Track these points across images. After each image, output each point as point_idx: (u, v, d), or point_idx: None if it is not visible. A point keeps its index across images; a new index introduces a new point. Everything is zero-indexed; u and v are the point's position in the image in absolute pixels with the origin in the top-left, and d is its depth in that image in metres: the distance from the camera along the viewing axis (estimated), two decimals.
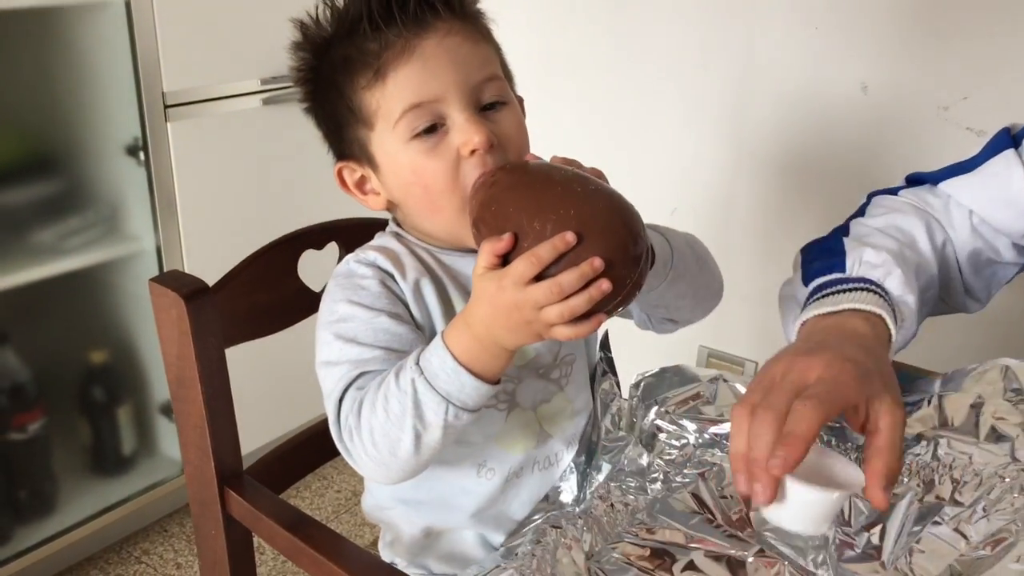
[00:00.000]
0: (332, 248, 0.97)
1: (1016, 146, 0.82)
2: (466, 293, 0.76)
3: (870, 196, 0.91)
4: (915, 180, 0.90)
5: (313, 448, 0.97)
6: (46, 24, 1.51)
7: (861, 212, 0.90)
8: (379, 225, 1.01)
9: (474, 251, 0.74)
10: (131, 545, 1.75)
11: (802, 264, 0.84)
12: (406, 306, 0.74)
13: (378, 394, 0.66)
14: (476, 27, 0.74)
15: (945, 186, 0.86)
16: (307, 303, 0.94)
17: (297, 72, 0.76)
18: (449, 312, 0.75)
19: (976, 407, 0.72)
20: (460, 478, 0.79)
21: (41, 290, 1.51)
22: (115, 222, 1.64)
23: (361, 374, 0.69)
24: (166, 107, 1.57)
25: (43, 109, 1.55)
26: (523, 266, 0.60)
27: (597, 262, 0.59)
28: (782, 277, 1.80)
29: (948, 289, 0.86)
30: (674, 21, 1.72)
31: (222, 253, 0.90)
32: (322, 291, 0.96)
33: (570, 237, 0.60)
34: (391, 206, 0.78)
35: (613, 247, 0.60)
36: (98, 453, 1.72)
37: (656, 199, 1.78)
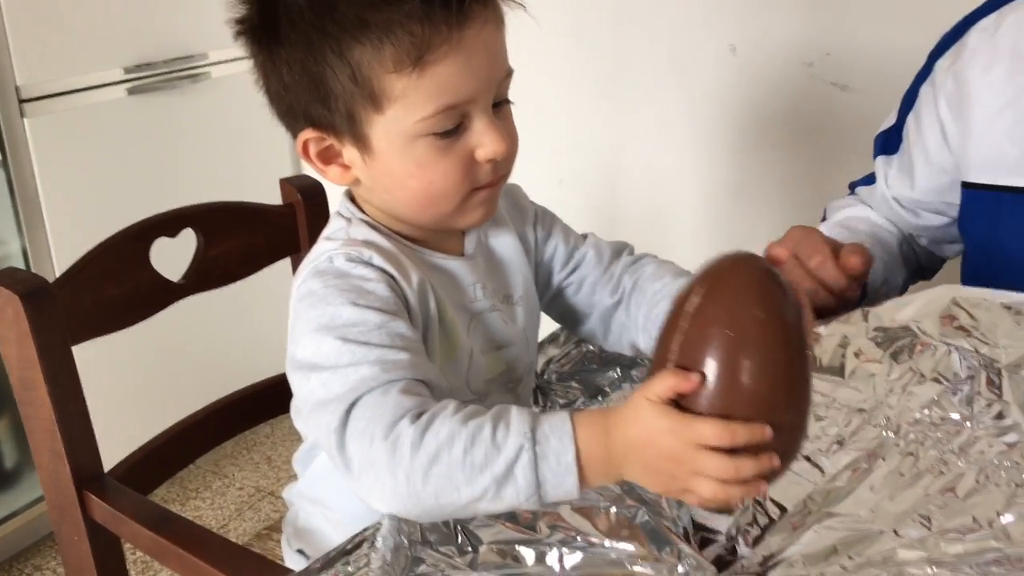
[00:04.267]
0: (187, 235, 0.93)
1: (881, 151, 1.03)
2: (456, 303, 0.71)
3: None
4: (852, 186, 1.11)
5: (182, 444, 0.94)
6: None
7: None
8: (239, 210, 0.99)
9: (456, 253, 0.72)
10: (22, 562, 1.67)
11: None
12: (408, 314, 0.65)
13: (463, 428, 0.56)
14: (500, 12, 0.67)
15: (859, 192, 1.08)
16: (164, 294, 0.91)
17: None
18: (444, 321, 0.69)
19: (842, 347, 0.74)
20: None
21: None
22: None
23: (395, 379, 0.59)
24: (21, 102, 1.49)
25: None
26: (710, 431, 0.51)
27: (776, 461, 0.52)
28: (672, 237, 1.84)
29: (914, 239, 1.04)
30: None
31: None
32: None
33: (768, 434, 0.51)
34: (356, 183, 0.70)
35: (793, 450, 0.54)
36: None
37: (544, 170, 1.79)
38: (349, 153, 0.67)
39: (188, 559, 0.74)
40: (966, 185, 0.91)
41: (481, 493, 0.55)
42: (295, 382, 0.64)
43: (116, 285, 0.86)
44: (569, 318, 0.84)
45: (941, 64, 0.94)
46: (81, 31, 1.57)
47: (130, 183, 1.67)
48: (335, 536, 0.78)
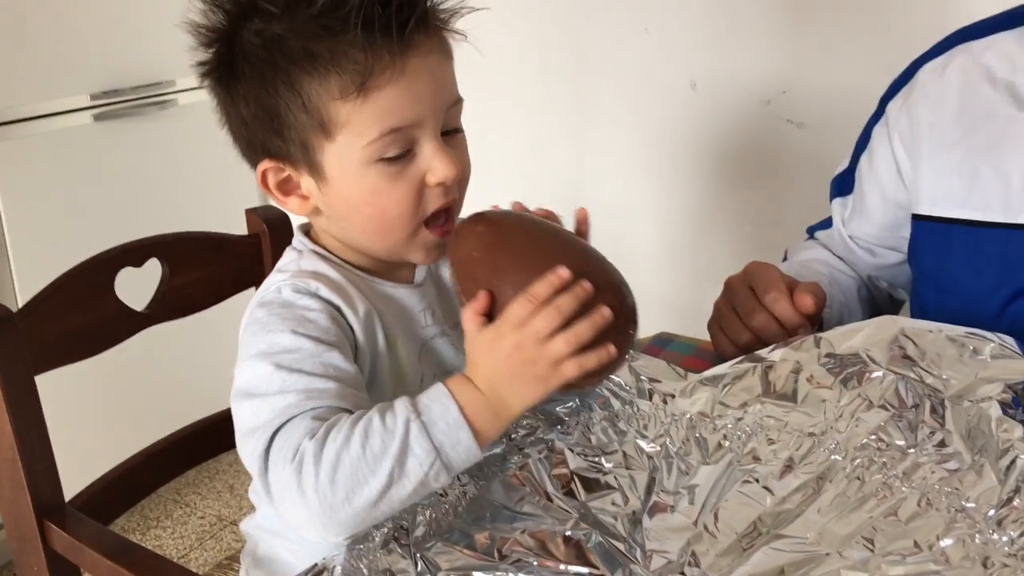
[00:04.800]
0: (152, 266, 0.94)
1: (837, 194, 1.07)
2: (406, 330, 0.73)
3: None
4: (810, 230, 1.15)
5: (143, 474, 0.94)
6: None
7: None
8: (204, 240, 0.99)
9: (406, 282, 0.75)
10: None
11: None
12: (354, 342, 0.68)
13: (355, 428, 0.59)
14: (447, 44, 0.70)
15: (818, 236, 1.11)
16: (128, 323, 0.91)
17: (207, 34, 0.68)
18: (393, 351, 0.71)
19: (795, 373, 0.76)
20: None
21: None
22: None
23: (317, 407, 0.62)
24: None
25: None
26: (519, 307, 0.58)
27: (588, 284, 0.58)
28: (632, 269, 1.86)
29: (873, 283, 1.07)
30: (511, 26, 1.75)
31: None
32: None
33: (564, 272, 0.59)
34: (316, 212, 0.72)
35: (607, 289, 0.60)
36: None
37: (503, 203, 1.81)
38: (306, 183, 0.70)
39: None
40: (916, 217, 0.94)
41: (387, 478, 0.58)
42: (234, 410, 0.66)
43: (81, 314, 0.86)
44: None
45: (893, 104, 0.98)
46: (47, 57, 1.57)
47: (95, 210, 1.67)
48: (295, 564, 0.78)
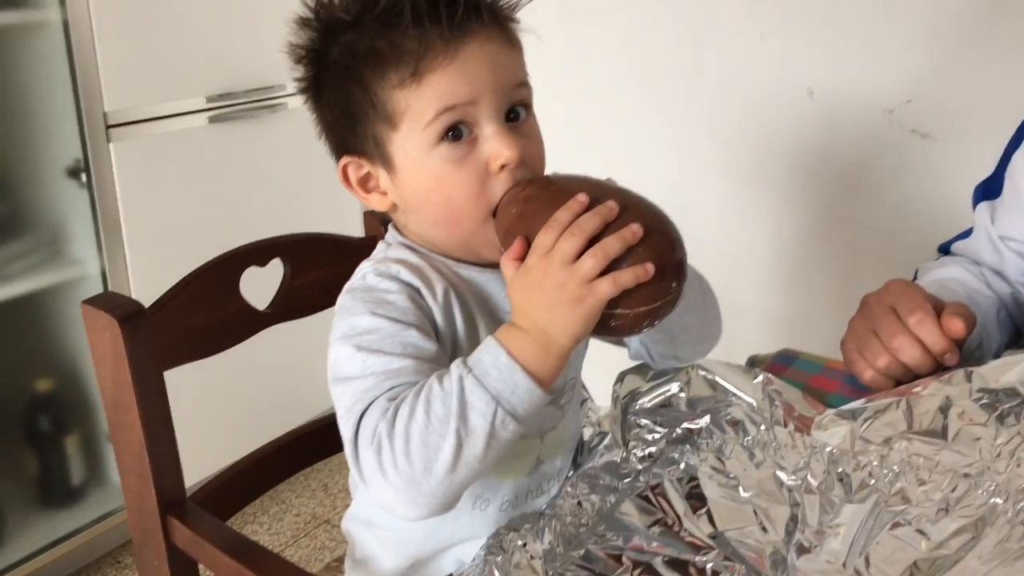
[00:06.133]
0: (276, 265, 0.95)
1: (982, 199, 1.02)
2: (488, 313, 0.73)
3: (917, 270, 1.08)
4: (943, 247, 1.09)
5: (260, 472, 0.95)
6: None
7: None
8: (324, 241, 1.00)
9: (491, 266, 0.74)
10: None
11: None
12: (433, 324, 0.69)
13: (418, 399, 0.60)
14: (510, 35, 0.71)
15: (955, 248, 1.05)
16: (250, 322, 0.92)
17: (299, 51, 0.72)
18: (473, 332, 0.72)
19: (944, 409, 0.72)
20: (456, 510, 0.72)
21: None
22: (58, 246, 1.60)
23: (393, 386, 0.63)
24: (108, 127, 1.54)
25: None
26: (544, 236, 0.61)
27: (612, 203, 0.60)
28: (740, 281, 1.81)
29: (1016, 299, 1.00)
30: (621, 33, 1.72)
31: (171, 274, 0.87)
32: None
33: (583, 197, 0.61)
34: (394, 208, 0.74)
35: (637, 211, 0.61)
36: (46, 484, 1.67)
37: None
38: (383, 178, 0.72)
39: None
40: None
41: (456, 438, 0.59)
42: (331, 395, 0.68)
43: (207, 312, 0.87)
44: (622, 344, 0.85)
45: None
46: (167, 61, 1.61)
47: (207, 209, 1.71)
48: (388, 561, 0.79)
